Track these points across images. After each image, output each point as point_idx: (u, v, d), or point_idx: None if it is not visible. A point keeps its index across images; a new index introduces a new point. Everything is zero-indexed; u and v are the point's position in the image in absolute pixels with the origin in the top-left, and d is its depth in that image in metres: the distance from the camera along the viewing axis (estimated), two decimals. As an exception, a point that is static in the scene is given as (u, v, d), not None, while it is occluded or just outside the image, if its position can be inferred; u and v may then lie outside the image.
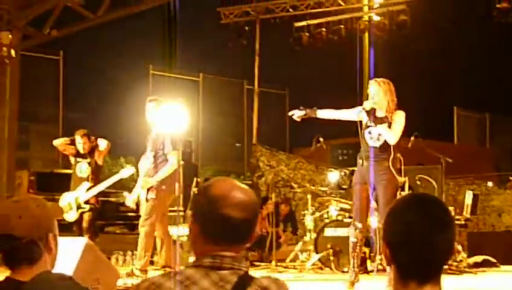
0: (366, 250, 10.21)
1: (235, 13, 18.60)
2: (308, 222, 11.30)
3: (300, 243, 11.70)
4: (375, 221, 10.62)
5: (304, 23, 17.80)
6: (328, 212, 11.29)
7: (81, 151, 10.15)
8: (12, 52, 14.96)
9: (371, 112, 7.81)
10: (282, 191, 15.62)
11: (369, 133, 7.85)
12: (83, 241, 7.40)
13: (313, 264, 10.70)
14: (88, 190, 9.97)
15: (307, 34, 17.58)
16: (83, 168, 10.15)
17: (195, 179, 12.59)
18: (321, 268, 10.63)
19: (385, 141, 7.72)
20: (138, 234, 8.90)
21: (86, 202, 9.98)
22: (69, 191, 10.17)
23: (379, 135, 7.76)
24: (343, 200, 11.47)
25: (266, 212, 13.41)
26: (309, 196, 11.60)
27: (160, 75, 27.85)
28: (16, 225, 3.04)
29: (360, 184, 7.97)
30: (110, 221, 20.41)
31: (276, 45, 22.73)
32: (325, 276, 10.10)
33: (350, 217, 10.92)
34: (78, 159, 10.14)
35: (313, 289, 8.74)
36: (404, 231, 2.14)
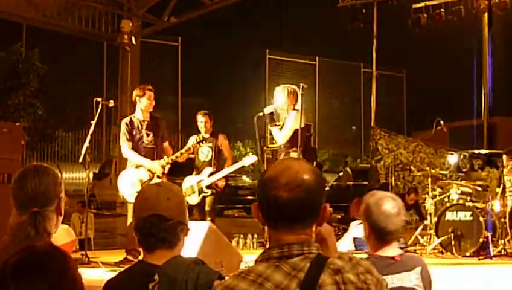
0: (489, 234, 10.02)
1: (352, -5, 18.47)
2: (429, 205, 11.16)
3: (420, 227, 11.59)
4: (498, 205, 10.44)
5: (422, 4, 17.52)
6: (449, 195, 11.12)
7: (202, 131, 10.21)
8: (133, 39, 15.37)
9: None
10: (401, 174, 15.47)
11: None
12: (206, 224, 7.57)
13: (434, 248, 10.59)
14: (210, 175, 10.08)
15: (425, 16, 17.30)
16: (204, 152, 10.29)
17: (314, 162, 12.64)
18: (442, 252, 10.50)
19: None
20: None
21: (208, 187, 10.11)
22: (192, 175, 10.34)
23: None
24: (464, 184, 11.28)
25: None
26: (429, 180, 11.44)
27: (277, 60, 28.04)
28: (166, 206, 3.13)
29: None
30: (229, 204, 20.72)
31: (394, 27, 22.44)
32: (446, 260, 9.98)
33: (471, 201, 10.76)
34: (200, 144, 10.26)
35: (434, 273, 8.64)
36: None
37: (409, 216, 14.54)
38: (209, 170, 10.04)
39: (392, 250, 3.76)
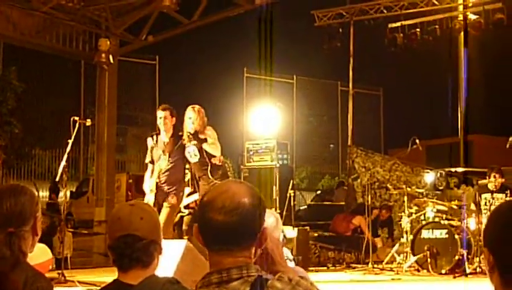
0: (464, 252, 10.11)
1: (328, 15, 18.57)
2: (405, 223, 11.24)
3: (397, 245, 11.66)
4: (473, 223, 10.54)
5: (398, 24, 17.65)
6: (425, 214, 11.19)
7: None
8: (111, 58, 15.37)
9: None
10: (378, 192, 15.54)
11: None
12: (183, 243, 7.58)
13: (410, 266, 10.66)
14: (189, 195, 10.06)
15: (401, 35, 17.42)
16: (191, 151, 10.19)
17: (291, 181, 12.69)
18: (418, 270, 10.58)
19: None
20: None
21: (186, 207, 10.10)
22: None
23: None
24: (440, 202, 11.37)
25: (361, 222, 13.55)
26: (405, 198, 11.53)
27: (254, 78, 28.07)
28: (139, 226, 3.14)
29: None
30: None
31: (370, 46, 22.59)
32: (422, 278, 10.04)
33: (447, 219, 10.84)
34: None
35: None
36: (508, 234, 2.00)
37: (382, 233, 14.64)
38: (187, 190, 9.95)
39: None
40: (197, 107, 9.36)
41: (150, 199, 8.78)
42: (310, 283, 2.34)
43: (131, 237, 3.14)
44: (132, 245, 3.15)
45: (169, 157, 8.97)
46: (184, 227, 10.22)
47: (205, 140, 9.13)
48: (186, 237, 9.71)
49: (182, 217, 10.17)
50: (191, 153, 9.19)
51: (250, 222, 2.36)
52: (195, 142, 9.16)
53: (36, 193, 3.33)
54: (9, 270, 2.77)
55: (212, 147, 9.22)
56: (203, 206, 2.38)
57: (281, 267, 2.52)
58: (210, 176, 9.05)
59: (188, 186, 9.93)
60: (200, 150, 9.14)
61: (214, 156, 9.23)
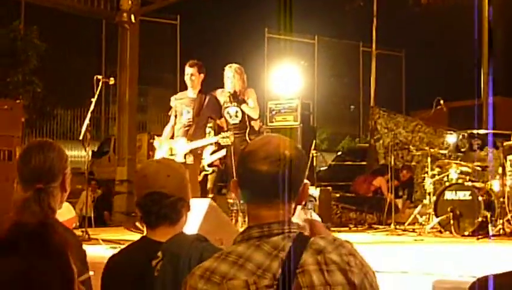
0: (488, 214, 10.05)
1: (351, -25, 18.43)
2: (428, 185, 11.19)
3: (419, 206, 11.62)
4: (497, 185, 10.46)
5: (422, -17, 17.49)
6: (448, 175, 11.13)
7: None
8: (132, 17, 15.30)
9: None
10: (400, 153, 15.47)
11: None
12: (206, 202, 7.58)
13: (433, 228, 10.63)
14: (212, 153, 10.01)
15: (426, -5, 17.27)
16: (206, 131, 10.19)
17: (313, 141, 12.63)
18: (440, 231, 10.54)
19: None
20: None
21: (210, 165, 10.05)
22: None
23: None
24: (464, 163, 11.29)
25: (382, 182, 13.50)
26: (429, 159, 11.46)
27: (276, 38, 27.95)
28: (166, 183, 3.13)
29: None
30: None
31: (392, 7, 22.36)
32: (444, 239, 10.01)
33: (471, 181, 10.78)
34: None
35: (433, 251, 8.69)
36: None
37: (402, 194, 14.60)
38: (211, 148, 9.90)
39: None
40: (235, 66, 9.32)
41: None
42: (353, 247, 2.29)
43: (158, 195, 3.14)
44: (159, 202, 3.15)
45: (194, 113, 8.94)
46: (209, 185, 10.20)
47: (245, 101, 9.10)
48: (211, 196, 9.71)
49: (205, 175, 10.14)
50: (232, 113, 9.22)
51: (293, 174, 2.30)
52: (235, 103, 9.15)
53: (65, 151, 3.32)
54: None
55: (252, 110, 9.19)
56: (244, 157, 2.34)
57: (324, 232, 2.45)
58: (248, 139, 9.01)
59: (212, 144, 9.87)
60: (240, 111, 9.13)
61: (254, 119, 9.20)
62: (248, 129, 9.12)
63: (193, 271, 2.24)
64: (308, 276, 2.15)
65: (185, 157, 8.61)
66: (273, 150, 2.30)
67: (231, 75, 9.20)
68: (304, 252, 2.20)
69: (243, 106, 9.09)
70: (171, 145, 8.90)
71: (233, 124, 9.26)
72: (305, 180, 2.38)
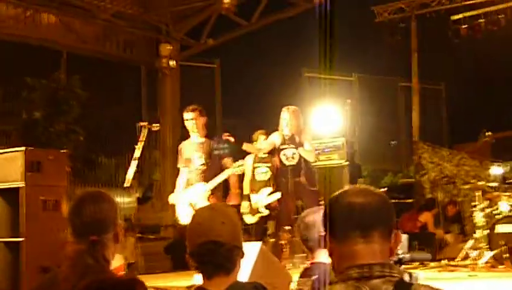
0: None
1: (389, 10, 18.38)
2: (479, 218, 10.97)
3: (471, 241, 11.39)
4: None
5: (460, 15, 17.36)
6: (497, 208, 10.92)
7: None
8: (172, 62, 15.40)
9: None
10: (446, 188, 15.28)
11: None
12: (257, 245, 7.50)
13: (486, 262, 10.40)
14: (270, 194, 9.86)
15: (465, 26, 17.12)
16: (262, 171, 10.08)
17: (360, 178, 12.52)
18: (493, 266, 10.30)
19: None
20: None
21: (267, 207, 9.90)
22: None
23: None
24: (514, 195, 11.08)
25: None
26: (480, 193, 11.26)
27: (313, 78, 27.92)
28: (221, 231, 3.04)
29: None
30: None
31: (430, 40, 22.26)
32: (500, 274, 9.77)
33: (523, 213, 10.57)
34: (256, 164, 10.01)
35: (490, 287, 8.48)
36: None
37: (452, 229, 14.35)
38: (268, 190, 9.77)
39: None
40: (292, 107, 9.36)
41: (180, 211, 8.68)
42: None
43: (213, 243, 3.04)
44: (215, 252, 3.05)
45: (206, 156, 8.85)
46: (270, 230, 10.02)
47: (302, 144, 9.09)
48: (271, 240, 9.59)
49: (262, 217, 9.96)
50: (289, 155, 9.23)
51: (387, 206, 2.29)
52: (293, 145, 9.19)
53: (115, 201, 3.27)
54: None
55: (309, 153, 9.16)
56: (335, 198, 2.30)
57: None
58: (305, 181, 8.99)
59: (269, 185, 9.75)
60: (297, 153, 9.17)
61: (310, 162, 9.28)
62: (303, 171, 9.06)
63: None
64: None
65: (208, 200, 8.51)
66: (362, 189, 2.33)
67: (288, 117, 9.18)
68: None
69: (300, 149, 9.07)
70: (189, 199, 8.85)
71: (290, 165, 9.23)
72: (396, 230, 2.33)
